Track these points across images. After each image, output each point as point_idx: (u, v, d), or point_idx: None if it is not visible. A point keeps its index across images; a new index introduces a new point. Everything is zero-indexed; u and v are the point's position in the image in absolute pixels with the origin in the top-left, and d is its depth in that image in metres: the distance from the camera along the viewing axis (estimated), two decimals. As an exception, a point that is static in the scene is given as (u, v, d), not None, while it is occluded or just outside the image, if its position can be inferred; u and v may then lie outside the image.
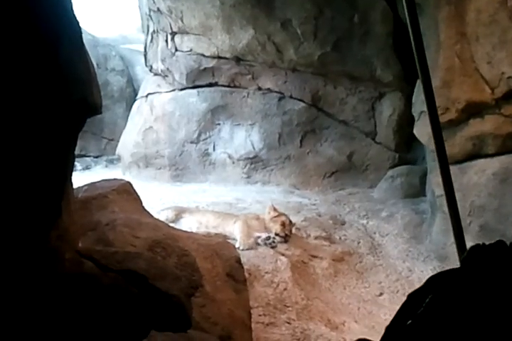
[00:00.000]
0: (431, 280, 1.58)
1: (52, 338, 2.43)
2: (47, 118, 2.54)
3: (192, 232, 5.52)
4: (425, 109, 6.62)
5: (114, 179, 5.06)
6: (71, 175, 3.25)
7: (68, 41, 2.69)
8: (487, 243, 1.52)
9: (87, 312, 2.56)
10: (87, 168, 12.16)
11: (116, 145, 11.47)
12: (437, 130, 3.84)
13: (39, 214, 2.63)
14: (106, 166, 12.53)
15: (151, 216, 4.86)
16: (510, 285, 1.33)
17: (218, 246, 4.80)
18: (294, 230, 6.79)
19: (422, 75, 3.94)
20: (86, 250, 3.12)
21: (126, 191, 4.66)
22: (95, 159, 12.82)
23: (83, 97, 2.78)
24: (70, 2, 2.86)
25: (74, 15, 2.87)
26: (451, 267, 1.56)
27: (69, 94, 2.63)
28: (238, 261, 4.95)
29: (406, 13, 3.96)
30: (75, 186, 3.63)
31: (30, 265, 2.54)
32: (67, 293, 2.57)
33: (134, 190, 4.85)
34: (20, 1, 2.38)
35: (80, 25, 2.95)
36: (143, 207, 4.89)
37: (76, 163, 11.70)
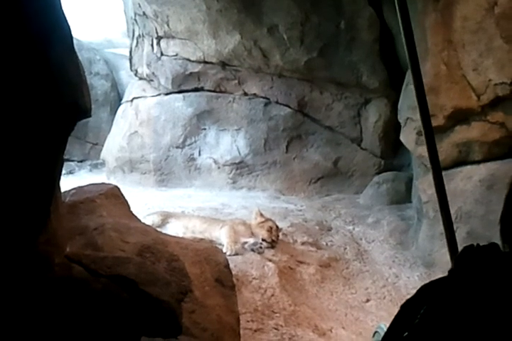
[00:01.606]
0: (423, 289, 1.56)
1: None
2: (37, 121, 2.51)
3: (180, 237, 5.49)
4: (411, 115, 6.69)
5: (102, 183, 5.02)
6: (59, 178, 3.22)
7: (59, 44, 2.67)
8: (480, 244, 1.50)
9: (78, 317, 2.53)
10: (70, 172, 12.08)
11: (101, 150, 11.40)
12: (430, 136, 3.85)
13: (28, 217, 2.61)
14: (90, 171, 12.46)
15: (140, 220, 4.83)
16: (506, 292, 1.32)
17: (207, 252, 4.77)
18: (280, 236, 6.77)
19: (414, 80, 3.95)
20: (75, 255, 3.09)
21: (114, 195, 4.62)
22: (79, 163, 12.74)
23: (74, 100, 2.76)
24: (60, 5, 2.83)
25: (65, 18, 2.84)
26: (438, 273, 1.55)
27: (60, 97, 2.60)
28: (227, 266, 4.92)
29: (399, 20, 3.97)
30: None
31: (19, 269, 2.51)
32: (57, 297, 2.54)
33: (122, 195, 4.82)
34: (11, 3, 2.35)
35: (71, 28, 2.92)
36: (131, 211, 4.86)
37: (60, 167, 11.62)
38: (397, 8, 3.95)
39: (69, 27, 2.88)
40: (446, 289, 1.44)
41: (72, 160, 12.65)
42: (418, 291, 1.56)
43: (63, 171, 10.06)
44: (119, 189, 4.81)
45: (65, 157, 11.44)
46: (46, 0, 2.66)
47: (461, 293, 1.37)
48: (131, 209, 5.11)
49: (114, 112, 11.71)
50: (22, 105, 2.39)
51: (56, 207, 3.02)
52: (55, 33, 2.66)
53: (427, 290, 1.53)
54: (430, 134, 3.84)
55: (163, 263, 3.80)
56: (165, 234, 4.81)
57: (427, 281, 1.60)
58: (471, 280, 1.38)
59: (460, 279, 1.42)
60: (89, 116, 3.19)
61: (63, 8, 2.84)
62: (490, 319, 1.28)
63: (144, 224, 4.79)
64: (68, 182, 7.68)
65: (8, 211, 2.44)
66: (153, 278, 3.13)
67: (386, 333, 1.57)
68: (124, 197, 4.81)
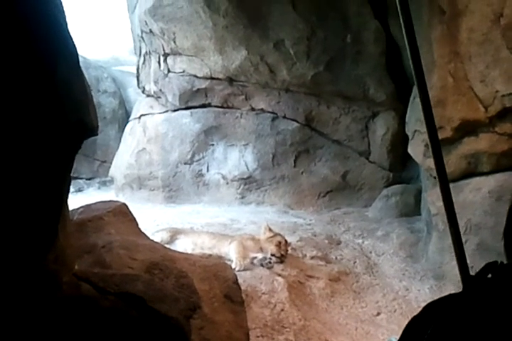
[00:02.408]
0: (429, 307, 1.52)
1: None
2: (43, 139, 2.53)
3: (189, 253, 5.49)
4: (419, 127, 6.68)
5: (110, 201, 5.04)
6: (67, 197, 3.23)
7: (65, 62, 2.69)
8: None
9: (86, 335, 2.53)
10: (79, 190, 12.10)
11: (109, 167, 11.42)
12: (437, 148, 3.85)
13: (35, 236, 2.61)
14: (99, 188, 12.48)
15: (148, 237, 4.84)
16: None
17: (215, 268, 4.77)
18: (289, 250, 6.75)
19: (420, 93, 3.96)
20: (83, 273, 3.09)
21: (122, 213, 4.64)
22: (88, 181, 12.76)
23: (80, 118, 2.77)
24: (66, 24, 2.86)
25: (70, 36, 2.86)
26: (449, 285, 1.51)
27: (65, 115, 2.61)
28: (235, 282, 4.92)
29: (404, 33, 3.99)
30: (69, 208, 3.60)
31: (27, 288, 2.51)
32: (65, 316, 2.54)
33: (130, 212, 4.83)
34: (18, 22, 2.38)
35: (76, 46, 2.95)
36: (139, 228, 4.86)
37: (69, 185, 11.64)
38: (401, 21, 3.97)
39: (74, 45, 2.90)
40: (454, 308, 1.40)
41: (81, 178, 12.68)
42: (424, 309, 1.52)
43: (72, 189, 10.11)
44: (126, 206, 4.83)
45: (74, 175, 11.52)
46: (52, 19, 2.69)
47: (471, 313, 1.34)
48: (140, 225, 5.12)
49: (122, 129, 11.74)
50: (28, 124, 2.41)
51: (64, 225, 3.02)
52: (61, 51, 2.68)
53: (433, 309, 1.49)
54: (437, 147, 3.84)
55: (171, 280, 3.80)
56: (173, 251, 4.82)
57: (434, 299, 1.56)
58: (484, 300, 1.35)
59: (471, 298, 1.39)
60: (96, 134, 3.20)
61: (68, 26, 2.87)
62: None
63: (152, 241, 4.79)
64: (77, 199, 7.70)
65: (16, 230, 2.45)
66: (161, 294, 3.13)
67: None
68: (132, 214, 4.82)
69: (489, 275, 1.40)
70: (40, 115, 2.46)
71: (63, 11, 2.84)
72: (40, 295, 2.58)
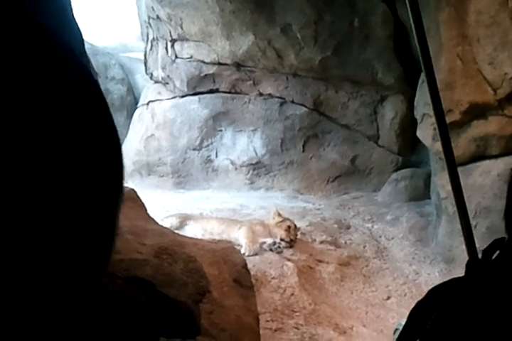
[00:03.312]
0: (433, 291, 1.51)
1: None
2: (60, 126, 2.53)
3: (198, 238, 5.50)
4: (428, 111, 6.66)
5: (118, 186, 5.03)
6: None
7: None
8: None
9: (96, 319, 2.54)
10: (88, 176, 12.09)
11: (118, 154, 11.40)
12: (444, 131, 3.83)
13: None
14: (108, 175, 12.47)
15: (156, 223, 4.84)
16: None
17: (224, 252, 4.78)
18: (299, 235, 6.77)
19: (427, 76, 3.93)
20: (92, 258, 3.10)
21: (130, 198, 4.64)
22: (97, 168, 12.74)
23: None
24: (71, 8, 2.85)
25: (75, 21, 2.86)
26: (458, 269, 1.48)
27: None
28: (245, 266, 4.93)
29: (410, 15, 3.96)
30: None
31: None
32: (75, 300, 2.55)
33: (139, 197, 4.83)
34: (21, 6, 2.37)
35: (82, 31, 2.94)
36: (148, 214, 4.87)
37: (78, 172, 11.64)
38: (407, 4, 3.94)
39: (79, 29, 2.90)
40: (458, 291, 1.39)
41: (90, 165, 12.65)
42: (428, 294, 1.51)
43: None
44: (135, 192, 4.83)
45: (83, 162, 11.56)
46: (57, 4, 2.68)
47: (474, 296, 1.32)
48: (149, 211, 5.13)
49: (130, 116, 11.70)
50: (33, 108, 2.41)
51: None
52: (65, 36, 2.68)
53: (438, 293, 1.48)
54: (444, 130, 3.81)
55: (180, 265, 3.81)
56: (182, 236, 4.83)
57: (438, 283, 1.55)
58: (487, 282, 1.33)
59: (474, 281, 1.37)
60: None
61: (74, 12, 2.87)
62: (506, 325, 1.23)
63: (160, 226, 4.80)
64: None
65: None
66: (170, 279, 3.14)
67: (398, 339, 1.52)
68: (140, 200, 4.83)
69: (497, 252, 1.38)
70: (52, 103, 2.46)
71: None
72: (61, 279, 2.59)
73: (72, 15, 2.84)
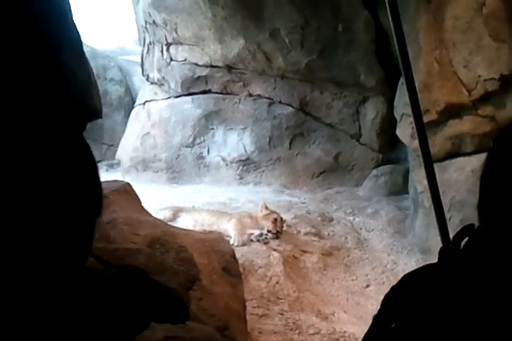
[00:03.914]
0: (407, 278, 1.46)
1: (55, 330, 2.39)
2: (47, 122, 2.50)
3: (189, 230, 5.48)
4: (406, 111, 6.66)
5: (115, 180, 5.03)
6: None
7: (69, 49, 2.66)
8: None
9: (89, 303, 2.52)
10: (88, 172, 12.04)
11: (116, 151, 11.38)
12: (421, 130, 3.82)
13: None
14: (106, 170, 12.41)
15: (150, 215, 4.82)
16: (499, 280, 1.24)
17: (214, 242, 4.76)
18: (285, 227, 6.76)
19: (406, 78, 3.93)
20: (88, 247, 3.08)
21: (126, 192, 4.62)
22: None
23: (83, 101, 2.75)
24: (71, 11, 2.82)
25: (74, 24, 2.83)
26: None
27: (69, 98, 2.58)
28: (233, 256, 4.92)
29: (391, 21, 3.95)
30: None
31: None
32: (70, 286, 2.53)
33: (134, 191, 4.81)
34: (23, 9, 2.34)
35: (80, 33, 2.91)
36: (142, 206, 4.85)
37: (78, 167, 11.60)
38: (388, 11, 3.93)
39: (78, 32, 2.87)
40: (431, 278, 1.36)
41: (90, 161, 12.61)
42: (402, 280, 1.48)
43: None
44: (130, 186, 4.81)
45: (83, 158, 11.51)
46: (55, 5, 2.65)
47: (447, 282, 1.30)
48: (145, 205, 5.11)
49: (127, 115, 11.68)
50: (32, 108, 2.38)
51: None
52: (65, 37, 2.65)
53: (411, 279, 1.45)
54: (422, 129, 3.81)
55: (172, 254, 3.80)
56: (174, 227, 4.81)
57: (410, 270, 1.52)
58: (459, 268, 1.31)
59: (447, 267, 1.35)
60: (100, 117, 3.17)
61: (72, 13, 2.84)
62: (479, 309, 1.22)
63: (154, 218, 4.78)
64: (86, 180, 7.65)
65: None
66: (162, 267, 3.12)
67: (372, 324, 1.49)
68: (135, 193, 4.80)
69: (466, 239, 1.37)
70: (44, 97, 2.43)
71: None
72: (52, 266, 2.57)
73: (72, 19, 2.81)
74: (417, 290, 1.35)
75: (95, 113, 2.97)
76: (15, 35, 2.28)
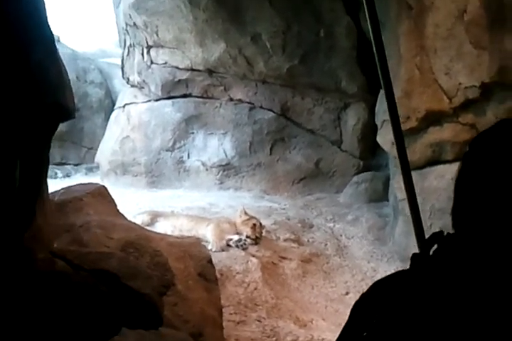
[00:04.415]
0: (377, 285, 1.43)
1: (22, 334, 2.34)
2: (18, 121, 2.45)
3: (165, 234, 5.42)
4: (387, 118, 6.65)
5: (90, 183, 4.97)
6: (46, 178, 3.15)
7: (40, 47, 2.61)
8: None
9: (57, 308, 2.47)
10: (67, 175, 11.95)
11: (95, 154, 11.33)
12: (399, 137, 3.81)
13: (13, 215, 2.54)
14: (86, 174, 12.34)
15: (125, 218, 4.77)
16: (470, 287, 1.22)
17: (190, 247, 4.72)
18: (264, 233, 6.74)
19: (384, 86, 3.91)
20: (60, 250, 3.03)
21: (101, 194, 4.57)
22: (75, 167, 12.60)
23: (55, 101, 2.69)
24: (45, 10, 2.78)
25: (47, 21, 2.79)
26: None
27: (40, 97, 2.54)
28: (209, 261, 4.88)
29: (369, 28, 3.93)
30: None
31: (3, 263, 2.45)
32: (38, 290, 2.49)
33: (109, 194, 4.76)
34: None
35: (53, 31, 2.87)
36: (117, 209, 4.79)
37: (57, 170, 11.52)
38: (367, 16, 3.92)
39: (51, 31, 2.82)
40: (405, 284, 1.34)
41: (69, 164, 12.52)
42: (372, 287, 1.46)
43: (60, 174, 9.94)
44: (106, 188, 4.76)
45: (62, 161, 11.38)
46: (28, 5, 2.61)
47: (421, 288, 1.28)
48: (123, 209, 5.06)
49: (108, 118, 11.62)
50: (1, 106, 2.33)
51: (42, 205, 2.95)
52: (36, 36, 2.60)
53: (382, 286, 1.42)
54: (400, 136, 3.79)
55: (146, 258, 3.75)
56: (149, 231, 4.77)
57: (382, 277, 1.50)
58: (429, 276, 1.29)
59: (417, 274, 1.33)
60: (73, 117, 3.11)
61: (46, 11, 2.79)
62: (452, 316, 1.19)
63: (129, 221, 4.73)
64: (64, 184, 7.59)
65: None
66: (135, 272, 3.07)
67: (342, 332, 1.46)
68: (110, 196, 4.75)
69: (435, 246, 1.35)
70: (13, 97, 2.39)
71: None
72: (15, 269, 2.52)
73: (46, 17, 2.77)
74: (388, 298, 1.33)
75: (68, 113, 2.91)
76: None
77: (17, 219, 2.57)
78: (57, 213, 3.85)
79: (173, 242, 4.57)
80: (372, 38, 3.89)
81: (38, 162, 2.80)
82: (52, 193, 3.97)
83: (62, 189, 4.43)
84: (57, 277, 2.63)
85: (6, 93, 2.34)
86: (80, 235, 3.63)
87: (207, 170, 9.70)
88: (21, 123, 2.48)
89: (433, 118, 6.33)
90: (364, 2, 3.98)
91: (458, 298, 1.20)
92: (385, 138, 7.08)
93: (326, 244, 7.18)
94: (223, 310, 4.83)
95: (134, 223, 4.85)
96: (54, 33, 2.92)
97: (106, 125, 11.50)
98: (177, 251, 4.42)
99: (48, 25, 2.79)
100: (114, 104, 12.14)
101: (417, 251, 3.82)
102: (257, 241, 6.43)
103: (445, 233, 1.40)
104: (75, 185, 4.64)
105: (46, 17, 2.79)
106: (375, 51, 3.96)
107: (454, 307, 1.19)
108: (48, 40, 2.75)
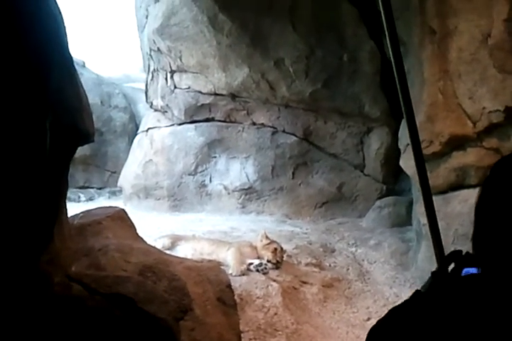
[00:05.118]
0: (393, 312, 1.40)
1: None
2: (36, 145, 2.45)
3: (184, 258, 5.39)
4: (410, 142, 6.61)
5: (109, 207, 4.96)
6: (65, 201, 3.15)
7: (59, 70, 2.62)
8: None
9: (70, 333, 2.45)
10: (90, 199, 12.03)
11: (119, 178, 11.38)
12: (420, 162, 3.77)
13: (31, 238, 2.53)
14: (109, 197, 12.40)
15: (145, 242, 4.75)
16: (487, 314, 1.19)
17: (209, 272, 4.69)
18: (285, 257, 6.67)
19: (405, 111, 3.89)
20: (77, 274, 3.01)
21: (120, 218, 4.56)
22: (99, 191, 12.69)
23: (73, 124, 2.69)
24: (64, 33, 2.79)
25: (67, 44, 2.80)
26: None
27: (58, 121, 2.54)
28: (229, 285, 4.84)
29: (390, 53, 3.93)
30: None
31: (19, 286, 2.44)
32: (53, 313, 2.46)
33: (128, 217, 4.75)
34: (14, 30, 2.31)
35: (72, 55, 2.88)
36: (137, 233, 4.78)
37: (80, 194, 11.61)
38: (388, 41, 3.91)
39: (70, 54, 2.83)
40: (421, 310, 1.30)
41: (92, 188, 12.62)
42: (389, 313, 1.42)
43: (83, 198, 10.03)
44: (125, 212, 4.75)
45: (86, 184, 11.50)
46: (48, 28, 2.62)
47: (439, 316, 1.24)
48: (145, 232, 5.06)
49: (131, 142, 11.71)
50: (20, 129, 2.33)
51: (61, 229, 2.94)
52: (55, 59, 2.61)
53: (399, 312, 1.39)
54: (420, 160, 3.76)
55: (163, 283, 3.71)
56: (168, 255, 4.74)
57: (399, 302, 1.46)
58: (451, 301, 1.25)
59: (433, 301, 1.29)
60: (92, 140, 3.12)
61: (66, 33, 2.81)
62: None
63: (148, 245, 4.71)
64: (87, 208, 7.62)
65: (12, 233, 2.38)
66: (151, 296, 3.05)
67: None
68: (130, 220, 4.74)
69: (452, 265, 1.33)
70: (31, 120, 2.39)
71: (61, 21, 2.77)
72: (31, 293, 2.50)
73: (64, 38, 2.78)
74: (405, 324, 1.30)
75: (86, 136, 2.91)
76: (3, 57, 2.24)
77: (34, 242, 2.56)
78: (76, 236, 3.84)
79: (191, 266, 4.54)
80: (393, 63, 3.88)
81: (56, 185, 2.79)
82: (71, 216, 3.98)
83: (82, 212, 4.43)
84: (72, 301, 2.61)
85: (24, 115, 2.34)
86: (97, 259, 3.61)
87: (229, 193, 9.69)
88: (39, 147, 2.47)
89: (457, 143, 6.27)
90: (385, 27, 3.98)
91: (475, 325, 1.17)
92: (408, 162, 7.01)
93: (347, 269, 7.09)
94: (243, 335, 4.76)
95: (153, 247, 4.83)
96: (79, 58, 2.94)
97: (129, 149, 11.57)
98: (195, 275, 4.39)
99: (68, 48, 2.81)
100: (137, 128, 12.23)
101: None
102: (277, 265, 6.36)
103: (464, 252, 1.38)
104: (94, 209, 4.64)
105: (66, 40, 2.80)
106: (396, 76, 3.95)
107: (470, 332, 1.16)
108: (67, 63, 2.76)
